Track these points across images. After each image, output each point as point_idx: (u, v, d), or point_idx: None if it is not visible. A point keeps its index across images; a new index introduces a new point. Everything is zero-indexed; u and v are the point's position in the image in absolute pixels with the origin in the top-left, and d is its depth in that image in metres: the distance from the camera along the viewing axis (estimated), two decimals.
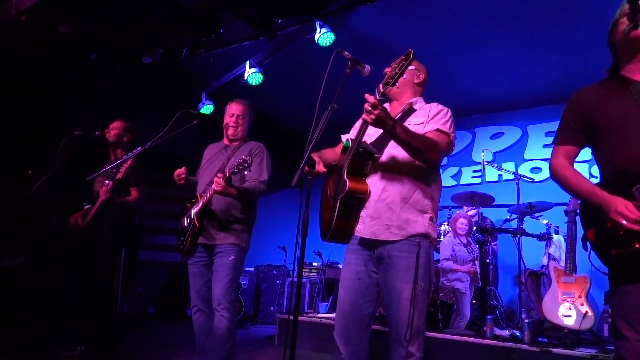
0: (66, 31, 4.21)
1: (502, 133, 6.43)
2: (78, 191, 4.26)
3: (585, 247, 1.76)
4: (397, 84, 1.92)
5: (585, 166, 5.36)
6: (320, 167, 2.09)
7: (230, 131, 3.17)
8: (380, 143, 2.14)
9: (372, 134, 2.18)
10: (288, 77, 5.81)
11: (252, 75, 5.14)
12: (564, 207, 4.20)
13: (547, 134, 5.96)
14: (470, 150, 6.59)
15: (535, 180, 5.69)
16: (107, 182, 3.42)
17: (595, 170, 2.62)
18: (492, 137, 6.50)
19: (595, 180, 1.76)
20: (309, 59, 5.23)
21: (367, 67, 2.25)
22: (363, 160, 2.08)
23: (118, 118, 3.87)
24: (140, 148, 3.27)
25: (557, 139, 1.90)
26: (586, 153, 1.88)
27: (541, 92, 5.71)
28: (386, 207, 2.06)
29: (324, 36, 4.38)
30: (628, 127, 1.67)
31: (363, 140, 2.06)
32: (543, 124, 6.02)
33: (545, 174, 5.83)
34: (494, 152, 6.28)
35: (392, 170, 2.09)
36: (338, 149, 2.33)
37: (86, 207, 3.69)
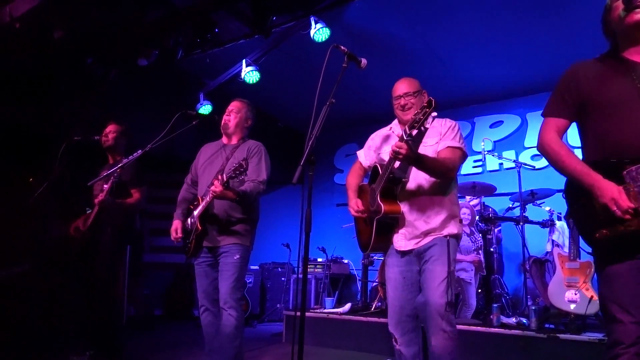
0: (61, 36, 4.20)
1: (502, 122, 6.42)
2: (79, 196, 4.27)
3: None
4: (422, 127, 2.11)
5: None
6: (360, 213, 2.47)
7: (222, 123, 3.18)
8: (406, 167, 2.41)
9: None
10: (285, 74, 5.80)
11: (249, 74, 5.13)
12: (563, 194, 4.19)
13: None
14: (470, 140, 6.57)
15: (537, 167, 5.67)
16: (104, 186, 3.42)
17: None
18: (491, 126, 6.48)
19: None
20: (305, 55, 5.22)
21: (364, 61, 2.27)
22: (393, 184, 2.38)
23: (112, 121, 3.85)
24: (140, 151, 3.27)
25: (549, 110, 1.86)
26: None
27: (539, 79, 5.68)
28: (423, 223, 2.39)
29: (319, 32, 4.37)
30: (624, 109, 1.65)
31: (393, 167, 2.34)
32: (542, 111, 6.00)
33: (546, 161, 5.82)
34: (494, 141, 6.27)
35: (421, 190, 2.42)
36: (357, 167, 2.77)
37: (88, 211, 3.70)
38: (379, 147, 2.68)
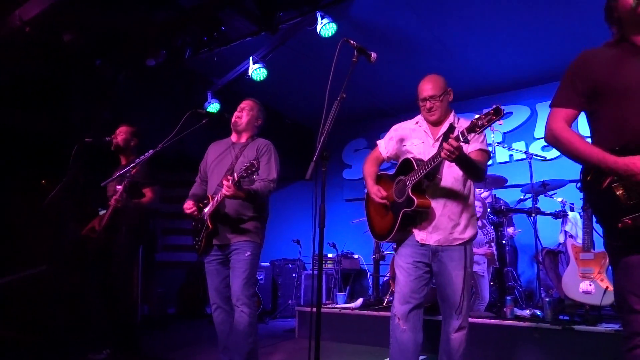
0: (70, 39, 4.23)
1: (511, 113, 6.35)
2: (93, 197, 4.31)
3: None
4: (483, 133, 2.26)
5: None
6: (383, 199, 2.56)
7: (233, 119, 3.19)
8: (440, 165, 2.46)
9: (423, 152, 2.56)
10: (293, 70, 5.80)
11: (257, 71, 5.13)
12: (579, 184, 4.16)
13: None
14: None
15: (548, 158, 5.63)
16: (118, 187, 3.45)
17: None
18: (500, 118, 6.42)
19: None
20: (312, 50, 5.21)
21: (374, 55, 2.27)
22: (427, 179, 2.48)
23: (123, 123, 3.89)
24: (151, 151, 3.29)
25: (558, 101, 1.81)
26: None
27: (548, 68, 5.61)
28: (447, 219, 2.52)
29: (326, 27, 4.36)
30: None
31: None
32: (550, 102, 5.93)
33: (557, 151, 5.77)
34: (504, 133, 6.22)
35: (451, 188, 2.54)
36: (375, 156, 2.82)
37: (101, 212, 3.73)
38: (403, 139, 2.71)
